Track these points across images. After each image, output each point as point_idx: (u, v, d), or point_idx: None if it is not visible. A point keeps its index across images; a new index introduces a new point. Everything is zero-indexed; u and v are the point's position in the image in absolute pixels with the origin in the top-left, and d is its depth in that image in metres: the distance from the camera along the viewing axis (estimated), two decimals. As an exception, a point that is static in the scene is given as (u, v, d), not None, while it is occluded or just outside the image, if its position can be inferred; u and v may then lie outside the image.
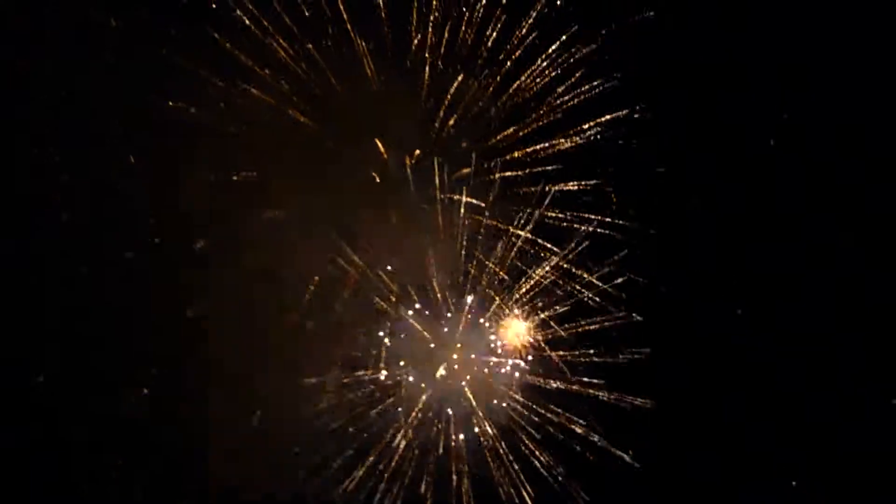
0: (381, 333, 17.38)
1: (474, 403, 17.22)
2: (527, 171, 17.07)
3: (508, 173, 17.05)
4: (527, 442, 17.22)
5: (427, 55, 16.55)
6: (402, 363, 17.41)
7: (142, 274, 16.94)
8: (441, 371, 17.18)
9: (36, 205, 16.83)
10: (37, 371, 16.95)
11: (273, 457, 16.95)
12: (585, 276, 17.26)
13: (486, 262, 17.12)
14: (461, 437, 17.26)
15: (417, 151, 16.77)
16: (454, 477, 17.01)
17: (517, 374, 17.52)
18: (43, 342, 16.84)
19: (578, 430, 17.27)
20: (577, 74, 16.80)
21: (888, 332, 17.43)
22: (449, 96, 16.74)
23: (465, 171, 16.81)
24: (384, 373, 17.31)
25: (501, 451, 17.14)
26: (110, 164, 16.77)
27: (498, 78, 16.80)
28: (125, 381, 16.98)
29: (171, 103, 16.13)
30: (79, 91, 16.59)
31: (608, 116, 16.94)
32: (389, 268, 17.02)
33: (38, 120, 16.59)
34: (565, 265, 17.21)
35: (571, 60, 16.72)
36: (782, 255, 17.66)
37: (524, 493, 16.93)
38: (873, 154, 17.29)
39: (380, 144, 16.65)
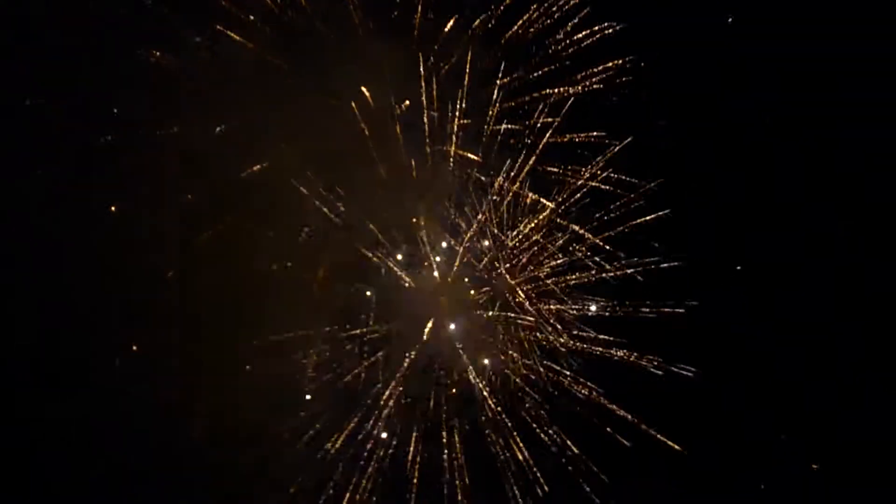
0: (371, 287, 17.20)
1: (465, 357, 16.97)
2: (520, 124, 16.82)
3: (501, 127, 16.80)
4: (520, 396, 17.01)
5: (418, -2, 16.30)
6: (391, 316, 17.17)
7: (125, 229, 16.77)
8: (429, 326, 16.85)
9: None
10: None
11: (261, 411, 16.65)
12: (578, 230, 17.00)
13: (477, 215, 16.85)
14: (452, 390, 17.11)
15: (406, 101, 16.44)
16: (444, 431, 16.82)
17: (510, 327, 17.27)
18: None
19: (582, 390, 17.02)
20: (573, 22, 16.59)
21: (887, 320, 17.32)
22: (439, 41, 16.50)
23: (458, 121, 16.49)
24: (373, 326, 17.07)
25: (492, 404, 16.86)
26: (91, 117, 16.60)
27: (491, 24, 16.53)
28: (114, 333, 16.91)
29: (156, 52, 15.89)
30: (58, 41, 16.42)
31: (602, 66, 16.72)
32: (377, 220, 16.73)
33: (16, 70, 16.44)
34: (559, 220, 16.98)
35: (567, 6, 16.53)
36: (782, 244, 17.63)
37: (514, 446, 16.66)
38: (872, 143, 17.26)
39: (367, 93, 16.26)
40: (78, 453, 16.81)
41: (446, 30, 16.40)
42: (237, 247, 16.48)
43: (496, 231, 17.01)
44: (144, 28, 16.15)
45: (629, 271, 16.91)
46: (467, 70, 16.30)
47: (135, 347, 16.93)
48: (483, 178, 16.77)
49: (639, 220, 16.88)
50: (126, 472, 16.71)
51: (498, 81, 16.49)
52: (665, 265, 16.85)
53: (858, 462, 17.18)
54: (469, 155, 16.59)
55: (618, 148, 16.64)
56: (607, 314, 17.08)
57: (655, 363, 16.84)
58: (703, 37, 17.25)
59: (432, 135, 16.47)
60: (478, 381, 16.86)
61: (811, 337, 17.37)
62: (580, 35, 16.58)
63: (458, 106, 16.38)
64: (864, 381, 17.38)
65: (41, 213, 16.66)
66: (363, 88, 16.18)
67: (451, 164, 16.57)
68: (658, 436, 16.62)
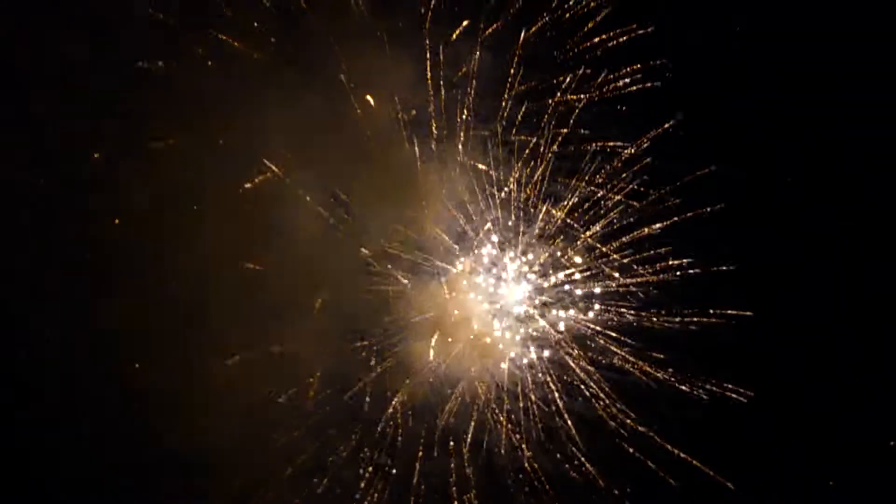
0: (377, 296, 17.04)
1: (473, 368, 16.95)
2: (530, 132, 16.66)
3: (513, 136, 16.65)
4: (530, 404, 16.95)
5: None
6: (397, 326, 17.06)
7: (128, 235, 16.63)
8: (435, 338, 16.81)
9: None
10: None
11: (266, 425, 16.68)
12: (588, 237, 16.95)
13: (486, 223, 16.77)
14: (459, 400, 16.98)
15: (413, 111, 16.32)
16: (451, 442, 16.76)
17: (518, 335, 17.25)
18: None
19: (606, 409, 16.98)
20: (580, 32, 16.42)
21: (887, 320, 17.35)
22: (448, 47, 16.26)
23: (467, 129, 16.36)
24: (379, 336, 16.98)
25: (500, 414, 16.88)
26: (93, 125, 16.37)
27: (499, 28, 16.34)
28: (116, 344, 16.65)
29: (161, 63, 15.72)
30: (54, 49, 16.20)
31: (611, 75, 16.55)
32: (384, 229, 16.68)
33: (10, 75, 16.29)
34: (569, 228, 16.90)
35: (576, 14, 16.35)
36: (782, 244, 17.55)
37: (522, 457, 16.71)
38: (872, 144, 17.26)
39: (371, 100, 16.13)
40: (79, 459, 16.70)
41: (455, 35, 16.19)
42: (240, 255, 16.32)
43: (506, 239, 16.99)
44: (146, 36, 15.98)
45: (639, 280, 16.87)
46: (474, 76, 16.20)
47: (137, 365, 16.78)
48: (493, 186, 16.67)
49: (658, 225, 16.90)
50: (126, 485, 16.66)
51: (507, 92, 16.36)
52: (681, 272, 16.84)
53: (858, 462, 17.29)
54: (479, 165, 16.47)
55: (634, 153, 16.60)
56: (615, 321, 17.12)
57: (700, 385, 16.87)
58: (703, 38, 17.09)
59: (440, 142, 16.37)
60: (486, 391, 16.84)
61: (811, 337, 17.33)
62: (590, 43, 16.45)
63: (465, 112, 16.27)
64: (864, 381, 17.39)
65: (40, 219, 16.58)
66: (368, 97, 16.02)
67: (459, 171, 16.49)
68: (700, 465, 16.75)
